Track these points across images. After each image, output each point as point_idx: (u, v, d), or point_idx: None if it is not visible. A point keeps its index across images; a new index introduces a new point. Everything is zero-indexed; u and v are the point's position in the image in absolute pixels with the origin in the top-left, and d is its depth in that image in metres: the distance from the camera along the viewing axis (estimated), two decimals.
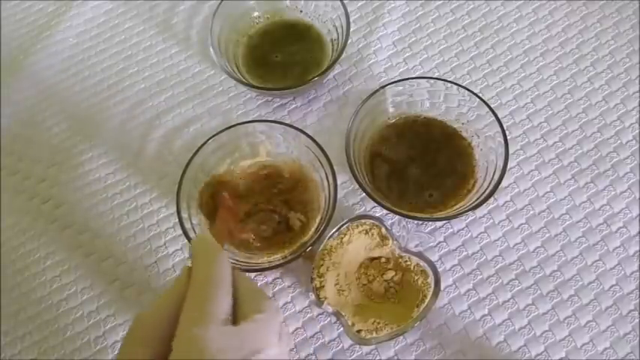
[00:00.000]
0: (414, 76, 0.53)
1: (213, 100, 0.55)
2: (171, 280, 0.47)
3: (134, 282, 0.47)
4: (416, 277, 0.42)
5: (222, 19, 0.53)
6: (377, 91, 0.47)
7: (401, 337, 0.43)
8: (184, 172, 0.44)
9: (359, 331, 0.40)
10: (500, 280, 0.45)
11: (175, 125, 0.54)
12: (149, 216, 0.50)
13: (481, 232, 0.47)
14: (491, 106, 0.45)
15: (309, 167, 0.47)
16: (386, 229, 0.43)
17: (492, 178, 0.44)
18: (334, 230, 0.43)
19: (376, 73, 0.54)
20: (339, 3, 0.51)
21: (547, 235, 0.46)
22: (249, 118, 0.53)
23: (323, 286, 0.42)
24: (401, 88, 0.48)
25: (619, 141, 0.49)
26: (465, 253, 0.46)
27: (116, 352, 0.45)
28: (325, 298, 0.41)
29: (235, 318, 0.28)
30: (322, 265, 0.42)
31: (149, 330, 0.28)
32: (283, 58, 0.54)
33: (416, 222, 0.47)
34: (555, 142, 0.50)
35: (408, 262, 0.43)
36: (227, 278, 0.29)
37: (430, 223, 0.47)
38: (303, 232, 0.45)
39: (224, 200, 0.45)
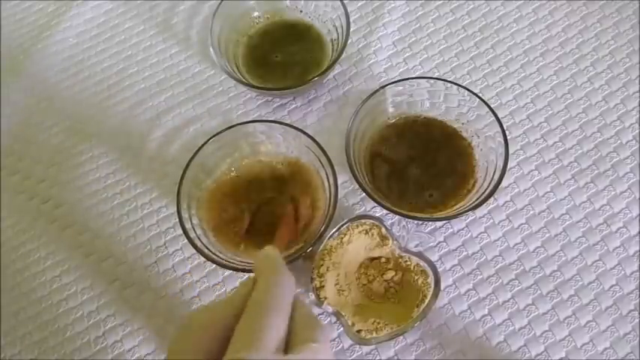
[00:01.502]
0: (414, 76, 0.53)
1: (213, 100, 0.55)
2: (172, 279, 0.47)
3: (134, 282, 0.47)
4: (416, 277, 0.42)
5: (222, 19, 0.53)
6: (377, 91, 0.47)
7: (401, 337, 0.43)
8: (184, 172, 0.44)
9: (359, 331, 0.40)
10: (500, 280, 0.45)
11: (175, 125, 0.54)
12: (149, 216, 0.50)
13: (481, 232, 0.47)
14: (492, 106, 0.45)
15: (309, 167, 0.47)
16: (386, 229, 0.43)
17: (492, 178, 0.44)
18: (334, 230, 0.43)
19: (376, 73, 0.54)
20: (339, 3, 0.51)
21: (547, 235, 0.46)
22: (249, 118, 0.53)
23: (323, 286, 0.42)
24: (401, 88, 0.48)
25: (619, 141, 0.49)
26: (465, 253, 0.46)
27: (116, 352, 0.45)
28: (325, 298, 0.41)
29: (287, 345, 0.27)
30: (322, 265, 0.42)
31: (202, 336, 0.27)
32: (283, 58, 0.54)
33: (416, 222, 0.47)
34: (555, 142, 0.50)
35: (408, 262, 0.43)
36: (287, 304, 0.28)
37: (430, 223, 0.47)
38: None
39: (287, 218, 0.44)
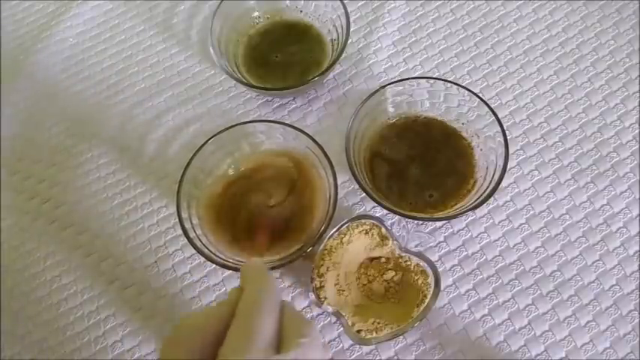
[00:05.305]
0: (414, 76, 0.53)
1: (213, 100, 0.55)
2: (172, 279, 0.47)
3: (134, 282, 0.47)
4: (416, 277, 0.42)
5: (222, 19, 0.53)
6: (377, 91, 0.47)
7: (401, 337, 0.43)
8: (184, 172, 0.44)
9: (359, 331, 0.40)
10: (500, 280, 0.45)
11: (175, 125, 0.54)
12: (149, 216, 0.50)
13: (481, 232, 0.47)
14: (492, 106, 0.45)
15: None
16: (386, 229, 0.43)
17: (492, 178, 0.44)
18: (334, 230, 0.43)
19: (376, 73, 0.54)
20: (339, 3, 0.51)
21: (547, 235, 0.46)
22: (249, 118, 0.53)
23: (323, 286, 0.42)
24: (401, 88, 0.48)
25: (619, 141, 0.49)
26: (465, 253, 0.46)
27: (116, 352, 0.45)
28: (325, 298, 0.41)
29: (279, 347, 0.28)
30: (322, 265, 0.42)
31: (193, 338, 0.28)
32: (283, 58, 0.54)
33: (416, 222, 0.47)
34: (555, 142, 0.50)
35: (408, 262, 0.43)
36: (275, 307, 0.30)
37: (430, 223, 0.47)
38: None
39: (262, 226, 0.45)
